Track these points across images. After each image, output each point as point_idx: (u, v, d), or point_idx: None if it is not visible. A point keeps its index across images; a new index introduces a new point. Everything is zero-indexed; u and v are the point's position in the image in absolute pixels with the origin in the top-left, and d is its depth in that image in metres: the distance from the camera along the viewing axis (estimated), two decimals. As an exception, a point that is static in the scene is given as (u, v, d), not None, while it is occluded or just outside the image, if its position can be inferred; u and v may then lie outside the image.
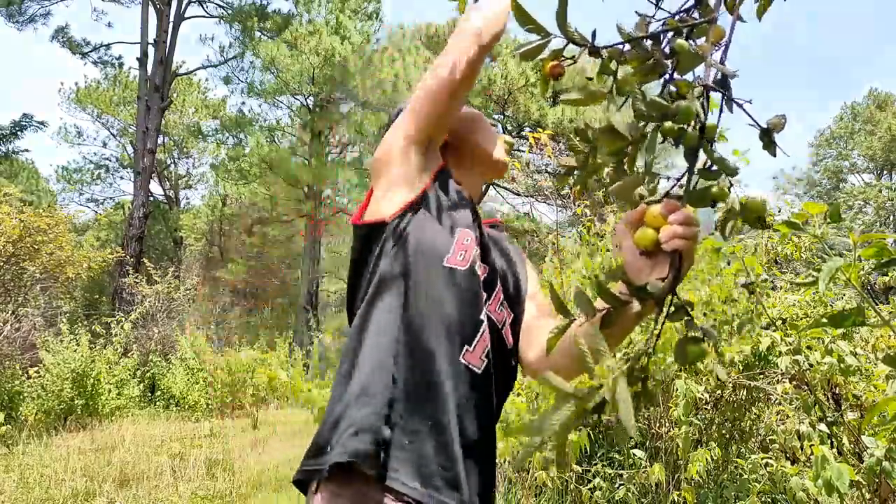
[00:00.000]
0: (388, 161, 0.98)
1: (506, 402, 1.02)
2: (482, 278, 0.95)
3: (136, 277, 10.24)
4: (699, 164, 0.67)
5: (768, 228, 0.66)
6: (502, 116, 14.89)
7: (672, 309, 0.66)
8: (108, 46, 16.55)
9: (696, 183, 0.68)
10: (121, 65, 17.42)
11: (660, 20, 0.74)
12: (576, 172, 0.79)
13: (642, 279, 0.72)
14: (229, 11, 16.40)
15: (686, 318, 0.65)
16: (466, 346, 0.88)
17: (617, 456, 3.04)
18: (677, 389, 2.49)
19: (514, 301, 1.03)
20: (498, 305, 0.97)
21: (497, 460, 1.01)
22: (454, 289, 0.89)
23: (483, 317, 0.90)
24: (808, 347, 2.30)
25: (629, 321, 0.78)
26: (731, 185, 0.69)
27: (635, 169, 0.73)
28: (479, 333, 0.89)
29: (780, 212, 3.34)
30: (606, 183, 0.76)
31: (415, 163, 0.97)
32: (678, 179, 0.70)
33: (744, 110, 0.68)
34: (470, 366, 0.87)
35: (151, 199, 15.68)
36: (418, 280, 0.89)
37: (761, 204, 0.66)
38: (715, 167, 0.67)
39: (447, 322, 0.87)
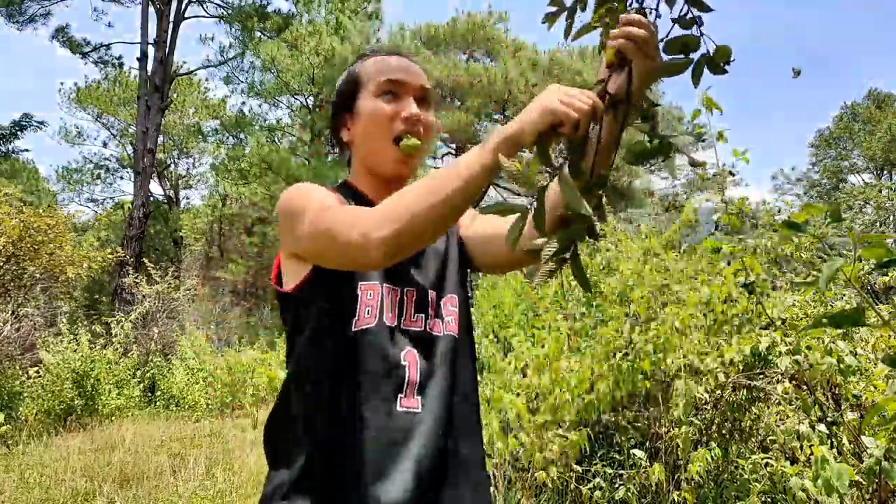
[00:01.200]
0: (281, 232, 0.97)
1: (477, 389, 1.05)
2: (413, 299, 0.98)
3: (136, 277, 10.23)
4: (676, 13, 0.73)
5: (725, 73, 0.70)
6: (502, 116, 14.89)
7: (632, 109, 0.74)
8: (108, 46, 16.55)
9: (671, 30, 0.73)
10: (121, 65, 17.40)
11: None
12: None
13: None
14: (229, 11, 16.39)
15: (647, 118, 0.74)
16: (399, 395, 0.92)
17: (617, 456, 3.04)
18: (677, 389, 2.49)
19: (452, 283, 1.05)
20: (434, 318, 1.00)
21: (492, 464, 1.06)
22: (369, 349, 0.92)
23: (405, 360, 0.93)
24: (808, 347, 2.30)
25: (607, 132, 0.81)
26: (702, 33, 0.74)
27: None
28: (406, 377, 0.93)
29: (779, 212, 3.33)
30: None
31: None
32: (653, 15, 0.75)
33: None
34: (409, 410, 0.92)
35: (151, 199, 15.68)
36: (330, 357, 0.92)
37: (727, 50, 0.72)
38: (688, 13, 0.72)
39: (375, 382, 0.91)
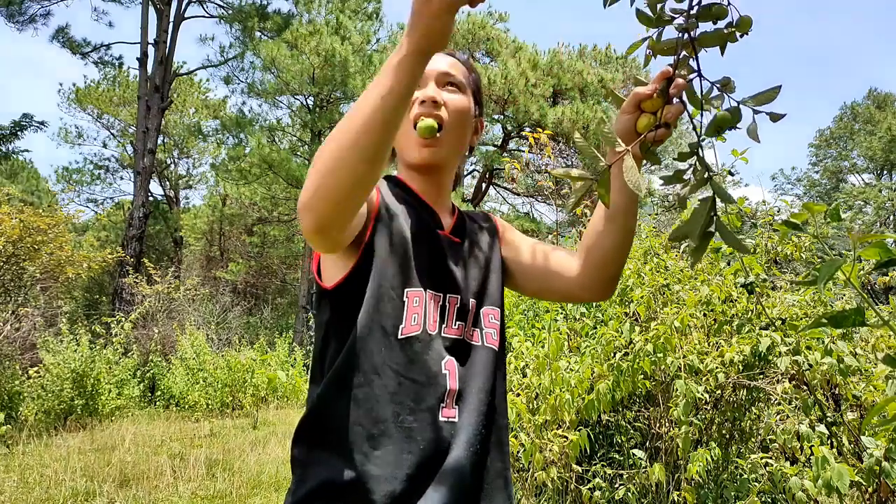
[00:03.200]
0: None
1: (499, 409, 1.02)
2: (455, 307, 0.95)
3: (136, 277, 10.24)
4: None
5: (736, 41, 0.72)
6: (502, 116, 14.89)
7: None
8: (108, 46, 16.50)
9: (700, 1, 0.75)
10: (121, 65, 17.36)
11: None
12: None
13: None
14: (229, 11, 16.38)
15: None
16: (441, 405, 0.89)
17: (617, 456, 3.04)
18: (677, 389, 2.49)
19: (494, 294, 1.03)
20: (471, 327, 0.97)
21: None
22: (415, 356, 0.89)
23: (445, 369, 0.90)
24: (808, 348, 2.30)
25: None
26: (730, 2, 0.75)
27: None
28: (447, 386, 0.90)
29: (779, 212, 3.33)
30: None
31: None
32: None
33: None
34: (449, 420, 0.89)
35: (151, 199, 15.67)
36: (377, 363, 0.88)
37: (749, 20, 0.74)
38: None
39: (421, 392, 0.88)
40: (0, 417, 5.16)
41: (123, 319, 8.05)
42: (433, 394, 0.89)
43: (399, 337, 0.89)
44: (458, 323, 0.95)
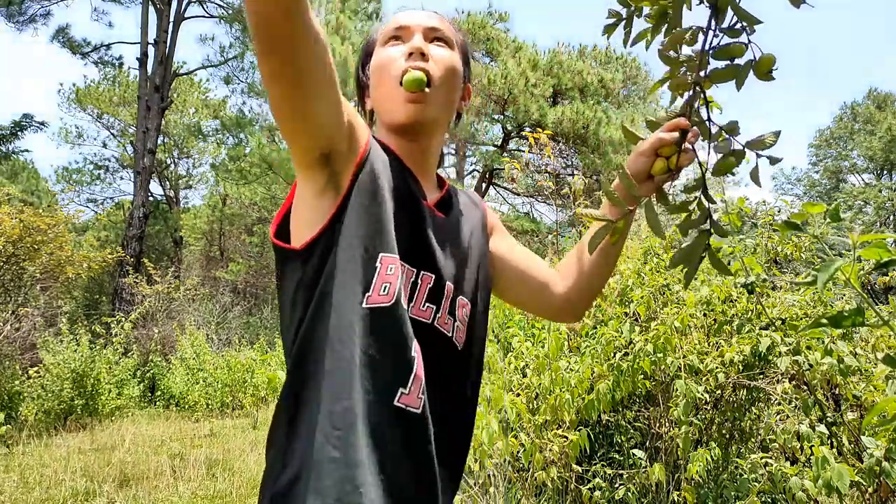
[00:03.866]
0: (296, 171, 0.83)
1: (473, 413, 0.94)
2: (427, 286, 0.86)
3: (136, 277, 10.25)
4: (724, 24, 0.76)
5: (773, 80, 0.74)
6: (502, 116, 14.90)
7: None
8: (108, 46, 16.51)
9: (721, 40, 0.77)
10: (121, 65, 17.38)
11: None
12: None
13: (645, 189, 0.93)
14: (229, 11, 16.39)
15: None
16: (401, 389, 0.78)
17: (617, 456, 3.04)
18: (677, 389, 2.49)
19: (470, 286, 0.94)
20: (447, 314, 0.88)
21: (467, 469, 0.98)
22: (379, 330, 0.78)
23: (414, 353, 0.80)
24: (808, 348, 2.30)
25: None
26: (750, 41, 0.76)
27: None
28: (413, 371, 0.79)
29: (779, 212, 3.33)
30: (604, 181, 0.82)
31: (321, 183, 0.81)
32: (703, 33, 0.78)
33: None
34: (407, 408, 0.79)
35: (151, 199, 15.67)
36: (340, 330, 0.77)
37: (771, 58, 0.75)
38: (738, 24, 0.75)
39: (380, 371, 0.78)
40: (0, 417, 5.16)
41: (123, 319, 8.05)
42: (393, 376, 0.78)
43: (364, 305, 0.78)
44: (427, 305, 0.85)
